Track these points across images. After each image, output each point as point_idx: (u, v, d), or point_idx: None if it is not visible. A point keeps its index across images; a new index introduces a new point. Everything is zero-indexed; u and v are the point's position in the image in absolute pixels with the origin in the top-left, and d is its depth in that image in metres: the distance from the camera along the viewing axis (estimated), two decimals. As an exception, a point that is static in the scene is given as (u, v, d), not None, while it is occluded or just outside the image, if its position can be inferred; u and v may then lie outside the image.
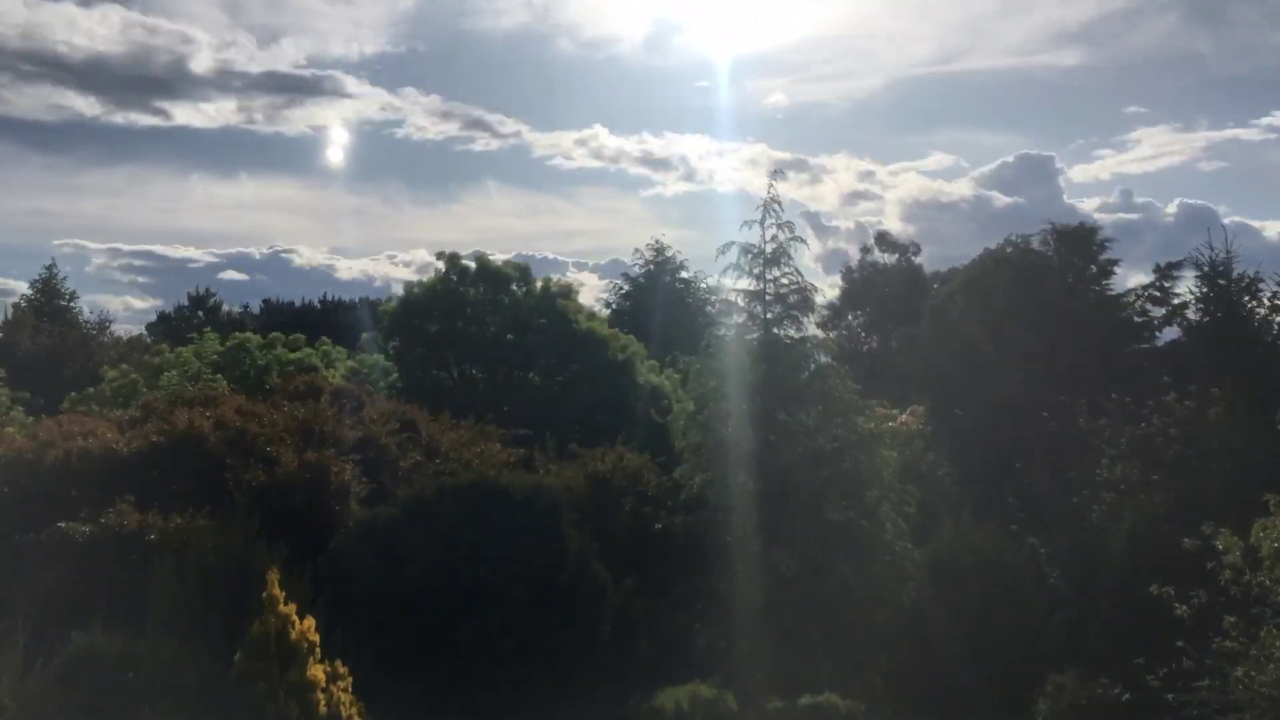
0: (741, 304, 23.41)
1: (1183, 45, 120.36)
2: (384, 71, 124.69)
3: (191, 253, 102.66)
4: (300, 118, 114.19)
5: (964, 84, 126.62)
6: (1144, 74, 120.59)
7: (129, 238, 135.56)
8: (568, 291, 40.67)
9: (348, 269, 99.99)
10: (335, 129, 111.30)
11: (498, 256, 40.90)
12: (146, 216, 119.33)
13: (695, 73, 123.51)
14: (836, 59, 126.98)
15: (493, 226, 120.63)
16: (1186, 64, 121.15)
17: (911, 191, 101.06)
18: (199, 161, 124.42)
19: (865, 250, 63.24)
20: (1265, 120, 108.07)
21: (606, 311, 54.98)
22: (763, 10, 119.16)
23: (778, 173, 23.20)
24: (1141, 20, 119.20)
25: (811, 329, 24.57)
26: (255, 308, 70.04)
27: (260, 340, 38.89)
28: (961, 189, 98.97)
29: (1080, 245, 35.88)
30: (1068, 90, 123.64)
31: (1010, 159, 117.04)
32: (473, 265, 39.88)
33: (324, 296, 72.49)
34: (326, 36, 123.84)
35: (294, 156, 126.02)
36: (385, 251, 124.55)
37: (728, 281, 23.72)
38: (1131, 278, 50.58)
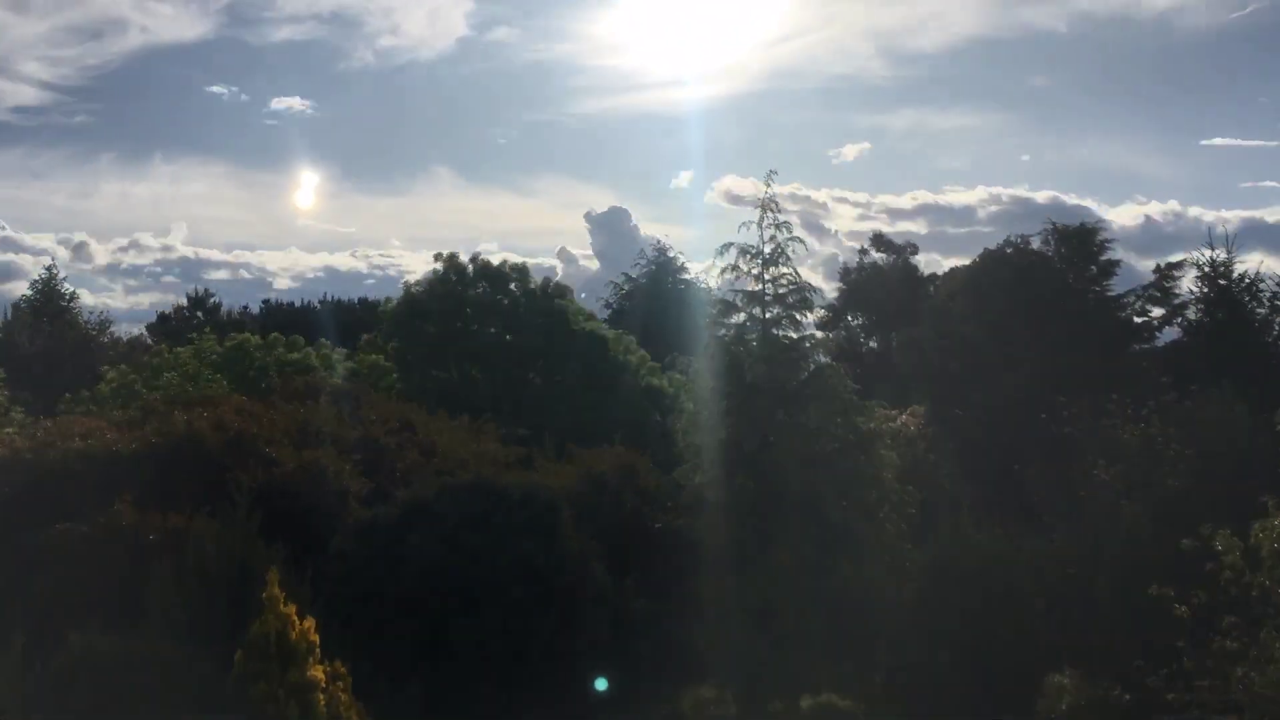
0: (741, 304, 23.44)
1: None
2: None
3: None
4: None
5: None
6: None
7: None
8: (567, 292, 40.70)
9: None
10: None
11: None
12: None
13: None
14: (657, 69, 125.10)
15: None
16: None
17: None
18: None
19: (863, 251, 63.21)
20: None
21: (607, 312, 55.05)
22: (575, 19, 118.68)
23: (773, 173, 23.28)
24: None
25: (810, 329, 24.63)
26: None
27: (260, 341, 38.87)
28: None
29: (1080, 245, 35.85)
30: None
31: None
32: (471, 266, 39.97)
33: (324, 297, 72.54)
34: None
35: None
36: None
37: (715, 281, 23.81)
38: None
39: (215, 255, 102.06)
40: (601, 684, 18.97)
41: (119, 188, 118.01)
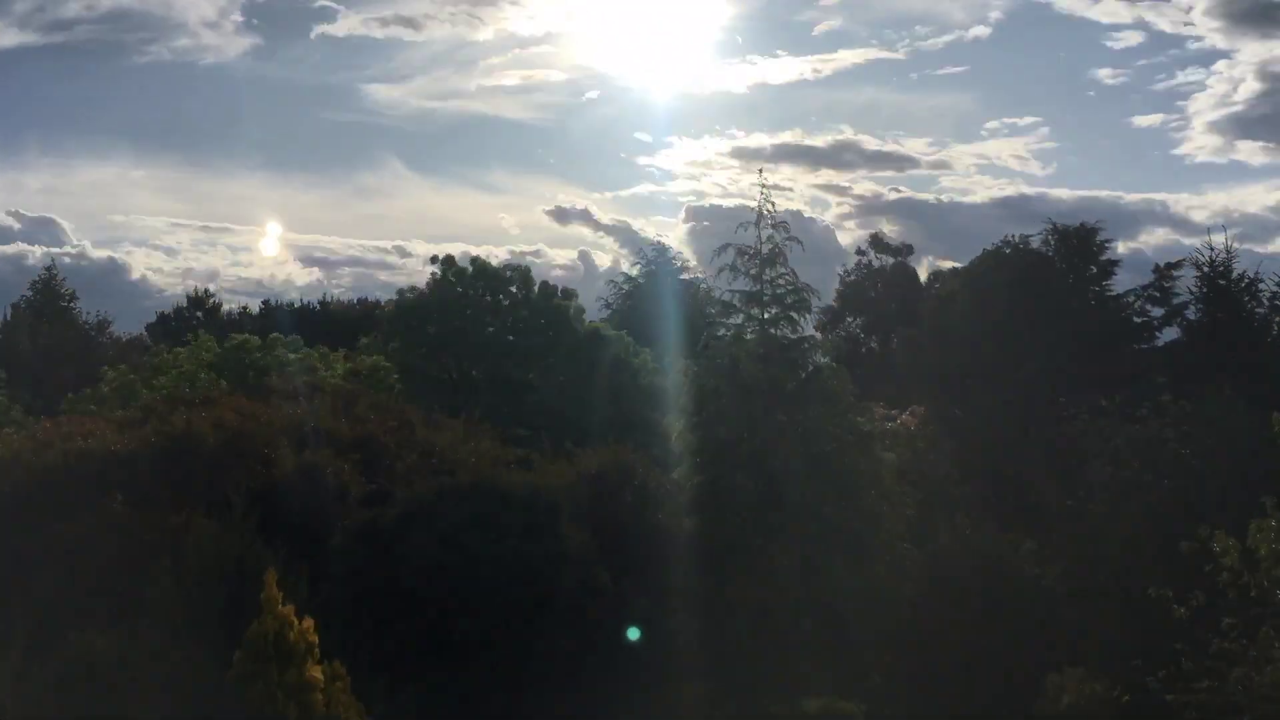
0: (739, 305, 23.44)
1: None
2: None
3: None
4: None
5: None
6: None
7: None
8: (567, 292, 40.73)
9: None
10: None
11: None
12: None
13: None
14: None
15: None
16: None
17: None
18: None
19: (860, 253, 63.26)
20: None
21: (607, 312, 55.02)
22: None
23: (768, 171, 23.30)
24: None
25: (809, 329, 24.63)
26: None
27: (258, 341, 38.80)
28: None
29: (1080, 245, 35.90)
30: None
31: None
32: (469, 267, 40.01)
33: (324, 298, 72.53)
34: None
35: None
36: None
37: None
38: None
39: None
40: (634, 633, 19.00)
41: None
